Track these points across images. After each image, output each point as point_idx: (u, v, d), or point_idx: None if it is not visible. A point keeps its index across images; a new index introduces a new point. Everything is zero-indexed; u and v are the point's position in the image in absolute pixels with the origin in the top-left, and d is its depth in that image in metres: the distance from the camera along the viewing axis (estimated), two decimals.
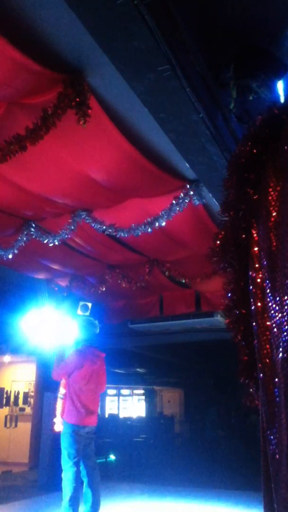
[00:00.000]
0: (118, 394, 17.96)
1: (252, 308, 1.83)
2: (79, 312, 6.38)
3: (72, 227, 4.59)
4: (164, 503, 6.27)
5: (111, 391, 17.17)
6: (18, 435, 10.39)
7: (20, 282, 7.22)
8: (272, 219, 1.73)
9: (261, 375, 1.69)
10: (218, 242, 2.03)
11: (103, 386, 4.85)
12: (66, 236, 4.71)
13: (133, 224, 4.42)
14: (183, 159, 3.39)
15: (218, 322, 7.67)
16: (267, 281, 1.71)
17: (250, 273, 1.87)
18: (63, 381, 4.68)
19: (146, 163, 3.43)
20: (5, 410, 10.89)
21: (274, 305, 1.64)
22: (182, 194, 3.92)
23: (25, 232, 4.89)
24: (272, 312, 1.64)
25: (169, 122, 2.89)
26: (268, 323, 1.70)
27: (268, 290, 1.70)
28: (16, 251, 5.07)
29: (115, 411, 17.24)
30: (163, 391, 18.90)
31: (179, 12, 2.40)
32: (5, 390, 11.09)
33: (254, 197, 1.87)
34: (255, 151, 1.88)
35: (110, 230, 4.53)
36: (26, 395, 10.85)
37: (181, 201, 3.94)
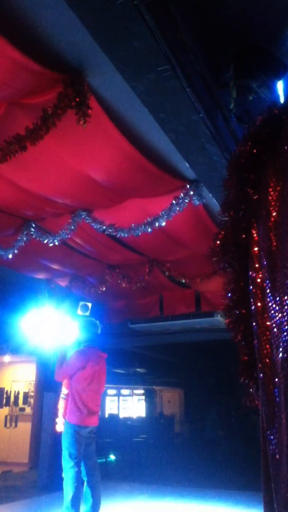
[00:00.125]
0: (118, 394, 17.96)
1: (252, 308, 1.83)
2: (79, 312, 6.38)
3: (72, 227, 4.59)
4: (164, 503, 6.27)
5: (111, 391, 17.18)
6: (18, 435, 10.39)
7: (20, 282, 7.22)
8: (272, 219, 1.73)
9: (261, 375, 1.69)
10: (218, 242, 2.03)
11: (103, 386, 4.86)
12: (66, 236, 4.71)
13: (133, 224, 4.42)
14: (183, 159, 3.39)
15: (218, 322, 7.67)
16: (267, 281, 1.71)
17: (250, 273, 1.87)
18: (65, 381, 4.68)
19: (146, 163, 3.43)
20: (5, 410, 10.89)
21: (274, 305, 1.64)
22: (182, 194, 3.92)
23: (25, 232, 4.89)
24: (272, 312, 1.64)
25: (169, 122, 2.89)
26: (268, 323, 1.70)
27: (268, 290, 1.70)
28: (16, 251, 5.07)
29: (115, 411, 17.24)
30: (163, 391, 18.90)
31: (179, 12, 2.40)
32: (5, 390, 11.09)
33: (254, 197, 1.87)
34: (255, 151, 1.88)
35: (110, 230, 4.53)
36: (26, 395, 10.86)
37: (181, 201, 3.94)
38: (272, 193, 1.76)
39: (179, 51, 2.44)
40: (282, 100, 2.67)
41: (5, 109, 2.88)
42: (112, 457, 10.54)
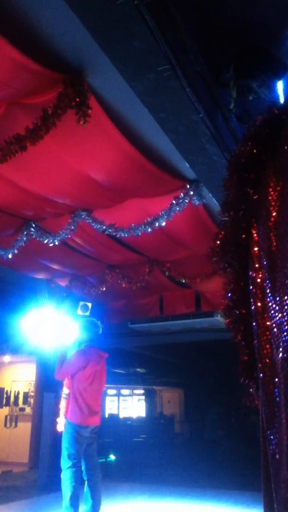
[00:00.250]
0: (118, 394, 17.96)
1: (252, 308, 1.83)
2: (79, 312, 6.38)
3: (72, 227, 4.59)
4: (164, 503, 6.27)
5: (111, 391, 17.18)
6: (18, 435, 10.39)
7: (20, 282, 7.22)
8: (272, 219, 1.73)
9: (261, 375, 1.69)
10: (218, 242, 2.03)
11: (104, 385, 4.87)
12: (66, 236, 4.71)
13: (133, 224, 4.42)
14: (183, 159, 3.39)
15: (218, 322, 7.67)
16: (267, 281, 1.71)
17: (250, 273, 1.87)
18: (66, 381, 4.68)
19: (146, 163, 3.43)
20: (5, 410, 10.88)
21: (274, 305, 1.64)
22: (182, 194, 3.92)
23: (25, 232, 4.89)
24: (272, 312, 1.64)
25: (169, 122, 2.89)
26: (268, 323, 1.70)
27: (268, 290, 1.70)
28: (16, 251, 5.07)
29: (115, 411, 17.24)
30: (163, 391, 18.90)
31: (179, 12, 2.40)
32: (5, 390, 11.09)
33: (254, 197, 1.87)
34: (255, 151, 1.88)
35: (110, 230, 4.53)
36: (26, 395, 10.85)
37: (181, 201, 3.94)
38: (272, 193, 1.76)
39: (179, 51, 2.44)
40: (282, 100, 2.67)
41: (5, 109, 2.89)
42: (112, 457, 10.54)
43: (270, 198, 1.76)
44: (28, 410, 10.67)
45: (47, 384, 7.96)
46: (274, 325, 1.62)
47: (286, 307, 1.55)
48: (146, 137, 3.24)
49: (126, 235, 4.52)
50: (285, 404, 1.50)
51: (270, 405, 1.61)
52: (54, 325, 6.44)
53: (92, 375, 4.61)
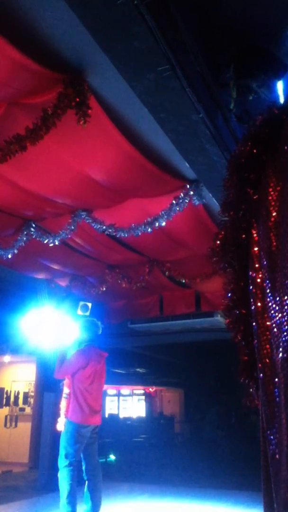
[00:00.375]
0: (118, 394, 17.96)
1: (252, 308, 1.83)
2: (79, 312, 6.38)
3: (72, 227, 4.59)
4: (164, 503, 6.27)
5: (111, 391, 17.18)
6: (18, 435, 10.39)
7: (20, 282, 7.22)
8: (272, 219, 1.73)
9: (261, 375, 1.69)
10: (218, 242, 2.03)
11: (103, 385, 4.87)
12: (66, 236, 4.71)
13: (133, 224, 4.42)
14: (183, 159, 3.39)
15: (218, 322, 7.67)
16: (267, 281, 1.71)
17: (250, 273, 1.87)
18: (67, 381, 4.68)
19: (146, 163, 3.43)
20: (5, 410, 10.88)
21: (274, 305, 1.64)
22: (182, 194, 3.92)
23: (25, 232, 4.89)
24: (272, 312, 1.64)
25: (169, 122, 2.89)
26: (268, 323, 1.70)
27: (268, 290, 1.70)
28: (16, 251, 5.07)
29: (115, 411, 17.24)
30: (163, 391, 18.90)
31: (179, 12, 2.40)
32: (5, 390, 11.09)
33: (254, 197, 1.87)
34: (255, 151, 1.88)
35: (110, 230, 4.53)
36: (26, 395, 10.85)
37: (181, 201, 3.94)
38: (272, 193, 1.76)
39: (179, 51, 2.44)
40: (282, 100, 2.67)
41: (5, 109, 2.88)
42: (112, 457, 10.54)
43: (270, 198, 1.76)
44: (28, 410, 10.67)
45: (47, 384, 7.96)
46: (274, 325, 1.62)
47: (286, 307, 1.55)
48: (146, 137, 3.24)
49: (126, 235, 4.52)
50: (285, 404, 1.50)
51: (270, 405, 1.61)
52: (54, 325, 6.44)
53: (92, 374, 4.61)
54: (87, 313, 6.38)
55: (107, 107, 2.90)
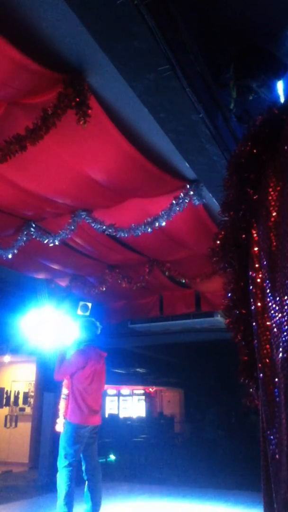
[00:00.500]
0: (118, 394, 17.96)
1: (252, 308, 1.83)
2: (79, 312, 6.38)
3: (72, 227, 4.59)
4: (164, 503, 6.27)
5: (111, 391, 17.18)
6: (18, 435, 10.39)
7: (20, 282, 7.22)
8: (272, 219, 1.73)
9: (261, 375, 1.69)
10: (218, 242, 2.03)
11: (104, 385, 4.86)
12: (66, 236, 4.71)
13: (133, 224, 4.42)
14: (183, 159, 3.39)
15: (218, 322, 7.67)
16: (267, 281, 1.71)
17: (250, 273, 1.87)
18: (65, 381, 4.68)
19: (146, 163, 3.43)
20: (5, 410, 10.88)
21: (274, 305, 1.64)
22: (182, 194, 3.92)
23: (25, 232, 4.89)
24: (272, 312, 1.64)
25: (169, 122, 2.89)
26: (268, 323, 1.70)
27: (268, 290, 1.70)
28: (16, 251, 5.07)
29: (115, 411, 17.24)
30: (163, 391, 18.90)
31: (179, 12, 2.40)
32: (5, 390, 11.09)
33: (254, 197, 1.87)
34: (255, 151, 1.88)
35: (110, 230, 4.53)
36: (26, 395, 10.85)
37: (181, 201, 3.94)
38: (272, 193, 1.76)
39: (179, 51, 2.44)
40: (282, 100, 2.67)
41: (5, 109, 2.88)
42: (112, 457, 10.54)
43: (270, 198, 1.76)
44: (28, 410, 10.67)
45: (47, 384, 7.97)
46: (274, 325, 1.62)
47: (286, 307, 1.55)
48: (146, 137, 3.24)
49: (126, 235, 4.52)
50: (285, 404, 1.50)
51: (270, 405, 1.61)
52: (54, 325, 6.44)
53: (91, 374, 4.61)
54: (87, 313, 6.38)
55: (107, 107, 2.90)
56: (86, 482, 4.49)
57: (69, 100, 2.63)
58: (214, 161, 3.24)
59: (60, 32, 2.37)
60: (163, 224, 4.20)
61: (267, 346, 1.69)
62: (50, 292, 7.20)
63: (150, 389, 18.50)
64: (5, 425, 10.73)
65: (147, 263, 5.85)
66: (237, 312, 1.99)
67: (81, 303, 6.50)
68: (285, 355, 1.51)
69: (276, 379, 1.58)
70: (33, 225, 4.89)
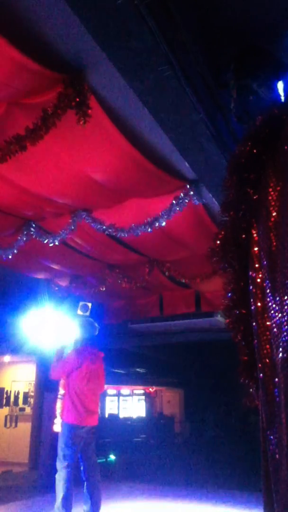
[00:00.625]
0: (118, 394, 17.96)
1: (252, 308, 1.83)
2: (79, 312, 6.38)
3: (72, 227, 4.59)
4: (164, 503, 6.27)
5: (111, 391, 17.18)
6: (18, 435, 10.39)
7: (20, 282, 7.22)
8: (272, 219, 1.73)
9: (261, 375, 1.69)
10: (218, 242, 2.03)
11: (103, 386, 4.84)
12: (66, 236, 4.71)
13: (133, 224, 4.42)
14: (183, 159, 3.39)
15: (218, 322, 7.68)
16: (267, 281, 1.71)
17: (250, 273, 1.87)
18: (62, 382, 4.66)
19: (146, 163, 3.43)
20: (5, 410, 10.89)
21: (274, 305, 1.64)
22: (182, 194, 3.92)
23: (25, 232, 4.90)
24: (272, 312, 1.64)
25: (169, 122, 2.89)
26: (268, 323, 1.70)
27: (268, 290, 1.70)
28: (16, 251, 5.08)
29: (115, 411, 17.25)
30: (163, 391, 18.91)
31: (179, 12, 2.40)
32: (5, 390, 11.09)
33: (254, 197, 1.87)
34: (255, 151, 1.87)
35: (110, 230, 4.54)
36: (26, 395, 10.85)
37: (181, 201, 3.94)
38: (272, 193, 1.76)
39: (179, 51, 2.44)
40: (282, 100, 2.67)
41: (5, 109, 2.89)
42: (112, 457, 10.54)
43: (270, 198, 1.76)
44: (28, 410, 10.67)
45: (47, 384, 7.96)
46: (274, 325, 1.62)
47: (286, 307, 1.55)
48: (146, 137, 3.24)
49: (126, 235, 4.52)
50: (285, 404, 1.50)
51: (270, 405, 1.61)
52: (54, 325, 6.44)
53: (88, 375, 4.57)
54: (87, 313, 6.38)
55: (107, 107, 2.90)
56: (85, 483, 4.48)
57: (69, 100, 2.63)
58: (214, 161, 3.24)
59: (60, 32, 2.38)
60: (163, 224, 4.20)
61: (267, 346, 1.69)
62: (50, 292, 7.20)
63: (150, 389, 18.50)
64: (5, 425, 10.73)
65: (147, 263, 5.85)
66: (237, 312, 1.98)
67: (81, 303, 6.50)
68: (285, 355, 1.51)
69: (276, 379, 1.58)
70: (33, 225, 4.89)
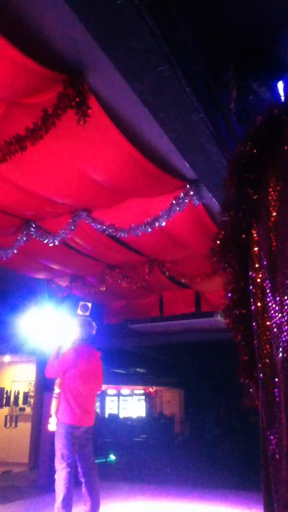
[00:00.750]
0: (118, 394, 17.97)
1: (252, 308, 1.83)
2: (79, 312, 6.38)
3: (72, 227, 4.59)
4: (164, 503, 6.27)
5: (111, 391, 17.18)
6: (18, 435, 10.39)
7: (20, 282, 7.22)
8: (272, 219, 1.73)
9: (261, 375, 1.69)
10: (218, 242, 2.03)
11: (100, 385, 4.78)
12: (66, 236, 4.71)
13: (133, 224, 4.42)
14: (183, 159, 3.39)
15: (218, 322, 7.68)
16: (267, 281, 1.71)
17: (250, 273, 1.87)
18: (58, 381, 4.63)
19: (146, 163, 3.43)
20: (5, 410, 10.89)
21: (274, 305, 1.64)
22: (182, 194, 3.92)
23: (25, 232, 4.89)
24: (272, 312, 1.64)
25: (169, 122, 2.89)
26: (268, 323, 1.70)
27: (268, 290, 1.70)
28: (16, 251, 5.07)
29: (115, 411, 17.25)
30: (163, 391, 18.91)
31: (179, 12, 2.40)
32: (5, 390, 11.10)
33: (254, 197, 1.87)
34: (255, 151, 1.88)
35: (110, 230, 4.53)
36: (26, 395, 10.86)
37: (181, 201, 3.94)
38: (272, 193, 1.76)
39: (179, 51, 2.44)
40: (282, 100, 2.67)
41: (5, 109, 2.89)
42: (112, 457, 10.55)
43: (270, 198, 1.76)
44: (28, 410, 10.67)
45: (47, 384, 7.94)
46: (274, 325, 1.62)
47: (286, 307, 1.55)
48: (146, 137, 3.24)
49: (126, 235, 4.52)
50: (285, 404, 1.50)
51: (270, 405, 1.61)
52: (54, 325, 6.43)
53: (84, 374, 4.52)
54: (87, 313, 6.38)
55: (107, 107, 2.90)
56: (83, 484, 4.44)
57: (69, 100, 2.63)
58: (214, 161, 3.24)
59: (60, 32, 2.38)
60: (163, 224, 4.20)
61: (267, 346, 1.69)
62: (50, 292, 7.20)
63: (150, 389, 18.51)
64: (5, 425, 10.74)
65: (147, 263, 5.85)
66: (237, 312, 1.99)
67: (81, 303, 6.49)
68: (285, 355, 1.51)
69: (276, 379, 1.58)
70: (33, 225, 4.88)
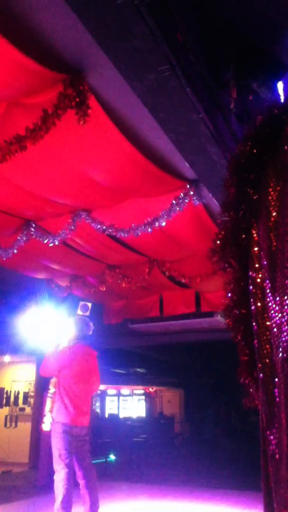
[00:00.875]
0: (118, 394, 17.97)
1: (252, 308, 1.83)
2: (79, 312, 6.37)
3: (72, 227, 4.59)
4: (164, 503, 6.27)
5: (111, 391, 17.19)
6: (18, 435, 10.39)
7: (20, 282, 7.22)
8: (272, 219, 1.73)
9: (261, 375, 1.69)
10: (218, 242, 2.03)
11: (97, 385, 4.75)
12: (66, 236, 4.71)
13: (133, 224, 4.42)
14: (183, 159, 3.39)
15: (218, 322, 7.67)
16: (267, 281, 1.71)
17: (250, 273, 1.87)
18: (53, 380, 4.60)
19: (146, 163, 3.43)
20: (5, 410, 10.89)
21: (274, 305, 1.64)
22: (182, 194, 3.92)
23: (25, 232, 4.89)
24: (272, 312, 1.65)
25: (169, 122, 2.89)
26: (268, 323, 1.70)
27: (268, 290, 1.70)
28: (16, 251, 5.07)
29: (115, 411, 17.26)
30: (163, 391, 18.91)
31: (179, 12, 2.40)
32: (5, 390, 11.10)
33: (254, 197, 1.87)
34: (255, 151, 1.88)
35: (110, 230, 4.53)
36: (26, 395, 10.86)
37: (181, 201, 3.94)
38: (272, 193, 1.76)
39: (179, 51, 2.44)
40: (282, 100, 2.67)
41: (5, 109, 2.89)
42: (112, 457, 10.55)
43: (270, 198, 1.76)
44: (28, 410, 10.67)
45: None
46: (274, 325, 1.62)
47: (286, 307, 1.55)
48: (146, 137, 3.24)
49: (126, 235, 4.52)
50: (285, 404, 1.50)
51: (270, 405, 1.61)
52: (54, 325, 6.43)
53: (79, 373, 4.48)
54: (87, 313, 6.37)
55: (107, 107, 2.90)
56: (82, 484, 4.41)
57: (69, 100, 2.63)
58: (214, 161, 3.24)
59: (61, 32, 2.38)
60: (163, 224, 4.20)
61: (267, 346, 1.69)
62: (50, 292, 7.20)
63: (150, 389, 18.51)
64: (5, 425, 10.74)
65: (147, 263, 5.85)
66: (237, 312, 1.99)
67: (81, 303, 6.49)
68: (285, 355, 1.51)
69: (276, 379, 1.58)
70: (33, 225, 4.89)
